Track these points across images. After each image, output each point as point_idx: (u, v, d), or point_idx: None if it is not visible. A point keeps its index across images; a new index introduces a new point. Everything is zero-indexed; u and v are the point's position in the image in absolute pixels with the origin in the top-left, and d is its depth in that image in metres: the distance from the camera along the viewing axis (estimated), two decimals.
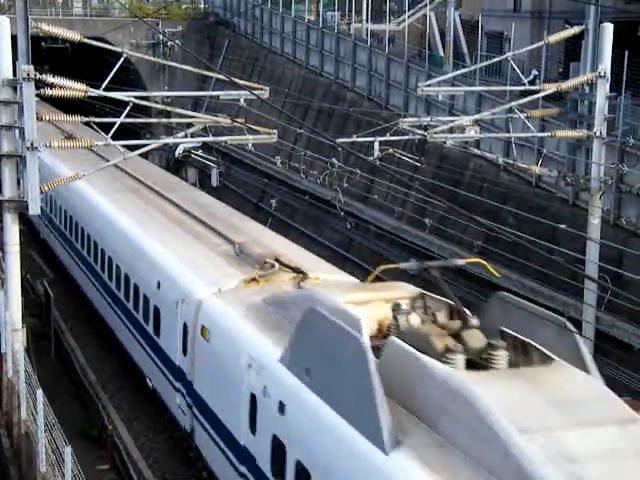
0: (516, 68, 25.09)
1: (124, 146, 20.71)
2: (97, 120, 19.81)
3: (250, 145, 21.76)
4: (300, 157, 31.16)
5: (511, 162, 25.37)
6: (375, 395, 11.84)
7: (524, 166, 25.40)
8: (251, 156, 43.45)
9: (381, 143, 24.59)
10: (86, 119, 19.53)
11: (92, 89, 19.34)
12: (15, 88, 18.81)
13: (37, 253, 38.24)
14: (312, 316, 13.97)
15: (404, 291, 15.65)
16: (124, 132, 21.20)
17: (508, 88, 27.55)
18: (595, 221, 24.11)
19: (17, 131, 18.99)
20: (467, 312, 14.16)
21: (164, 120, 32.73)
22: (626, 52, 24.74)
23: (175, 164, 54.83)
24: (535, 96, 24.60)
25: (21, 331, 20.01)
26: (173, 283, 20.45)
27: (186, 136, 21.49)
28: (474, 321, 13.51)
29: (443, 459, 11.32)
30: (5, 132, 19.06)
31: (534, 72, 30.27)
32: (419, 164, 28.47)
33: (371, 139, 24.63)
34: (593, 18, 25.14)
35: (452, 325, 13.73)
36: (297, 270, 18.87)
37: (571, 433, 10.93)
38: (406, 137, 24.77)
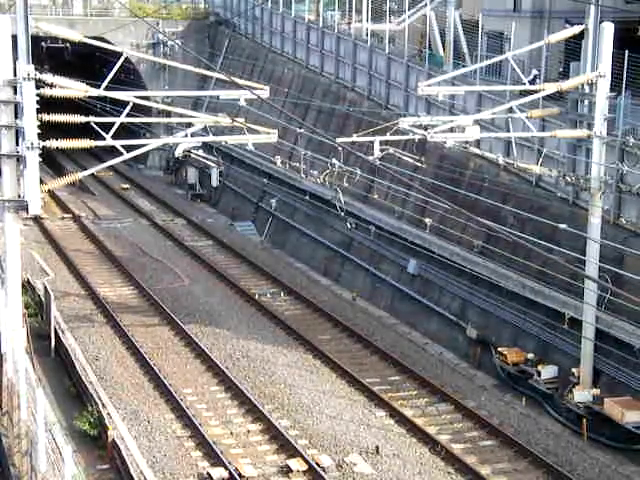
0: (516, 68, 25.06)
1: (124, 146, 20.70)
2: (97, 120, 19.81)
3: (250, 145, 21.77)
4: (300, 157, 31.09)
5: (511, 162, 25.34)
6: None
7: (524, 166, 25.38)
8: (251, 156, 43.44)
9: (381, 143, 24.58)
10: (86, 119, 19.53)
11: (92, 89, 19.35)
12: (15, 88, 18.81)
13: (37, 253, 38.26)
14: None
15: None
16: (124, 132, 21.20)
17: (508, 88, 27.54)
18: (595, 221, 24.10)
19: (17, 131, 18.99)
20: None
21: (164, 120, 32.72)
22: (626, 52, 24.73)
23: (175, 164, 54.81)
24: (535, 96, 24.59)
25: (21, 331, 20.02)
26: None
27: (186, 136, 21.50)
28: None
29: None
30: (5, 132, 19.06)
31: (534, 72, 30.21)
32: (419, 164, 28.43)
33: (371, 139, 24.62)
34: (593, 18, 25.13)
35: None
36: None
37: None
38: (406, 137, 24.75)
